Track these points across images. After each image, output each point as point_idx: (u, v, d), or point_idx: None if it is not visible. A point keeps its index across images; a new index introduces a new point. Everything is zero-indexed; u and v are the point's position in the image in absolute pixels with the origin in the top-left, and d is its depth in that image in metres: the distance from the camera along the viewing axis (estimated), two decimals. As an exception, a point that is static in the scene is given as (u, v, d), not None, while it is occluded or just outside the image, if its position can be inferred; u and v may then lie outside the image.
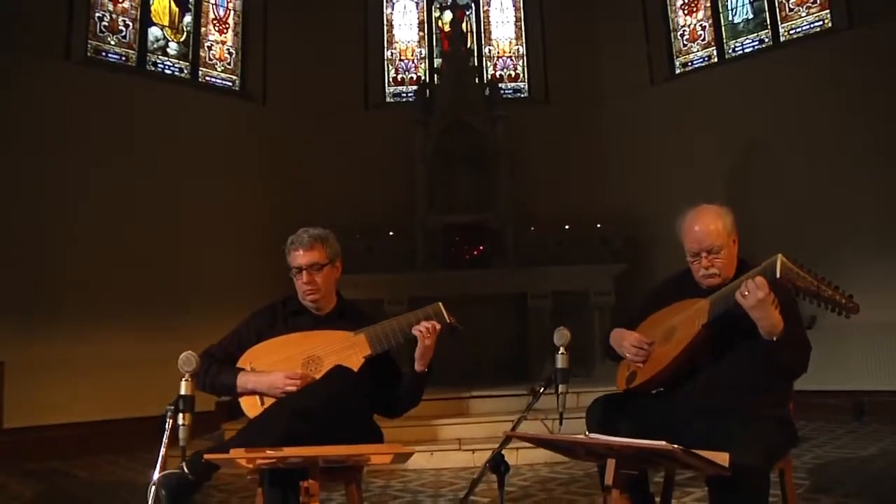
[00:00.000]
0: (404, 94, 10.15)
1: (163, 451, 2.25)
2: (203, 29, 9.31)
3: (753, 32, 9.06)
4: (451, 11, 9.62)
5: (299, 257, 3.03)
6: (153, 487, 2.20)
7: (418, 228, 8.53)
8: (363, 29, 10.19)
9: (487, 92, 9.15)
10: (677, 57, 9.70)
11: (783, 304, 2.50)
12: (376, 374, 2.98)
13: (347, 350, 2.91)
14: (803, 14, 8.63)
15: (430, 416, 6.17)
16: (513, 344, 8.14)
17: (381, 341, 2.93)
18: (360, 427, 2.87)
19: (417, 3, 10.53)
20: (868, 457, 5.49)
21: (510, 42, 10.47)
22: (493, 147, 8.74)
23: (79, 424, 7.13)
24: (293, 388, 2.78)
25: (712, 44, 9.39)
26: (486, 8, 10.54)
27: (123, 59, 8.52)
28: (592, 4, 10.04)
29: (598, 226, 8.60)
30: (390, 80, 10.30)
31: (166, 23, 8.98)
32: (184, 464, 2.41)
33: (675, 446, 1.98)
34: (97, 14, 8.29)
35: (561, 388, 2.65)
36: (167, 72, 8.88)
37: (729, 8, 9.34)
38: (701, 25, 9.53)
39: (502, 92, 9.48)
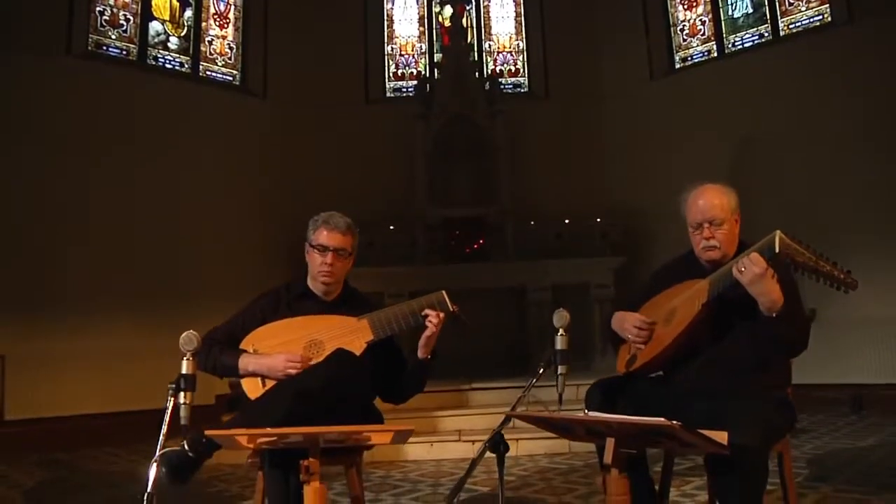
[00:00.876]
0: (404, 89, 10.16)
1: (164, 428, 2.26)
2: (204, 24, 9.32)
3: (753, 27, 9.07)
4: (452, 6, 9.62)
5: (330, 237, 3.03)
6: (154, 464, 2.21)
7: (418, 222, 8.55)
8: (363, 24, 10.20)
9: (487, 87, 9.18)
10: (677, 52, 9.71)
11: (782, 281, 2.51)
12: (380, 360, 3.00)
13: (350, 335, 2.92)
14: (803, 8, 8.65)
15: (431, 408, 6.20)
16: (512, 337, 8.15)
17: (384, 327, 2.94)
18: (361, 411, 2.89)
19: (417, -1, 10.56)
20: (867, 447, 5.50)
21: (510, 37, 10.48)
22: (493, 141, 8.76)
23: (79, 417, 7.14)
24: (293, 371, 2.79)
25: (712, 38, 9.40)
26: (486, 3, 10.56)
27: (124, 53, 8.53)
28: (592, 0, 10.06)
29: (598, 220, 8.61)
30: (390, 74, 10.31)
31: (167, 17, 8.98)
32: (185, 442, 2.42)
33: (675, 422, 1.99)
34: (98, 8, 8.30)
35: (560, 368, 2.66)
36: (168, 66, 8.89)
37: (729, 3, 9.35)
38: (701, 20, 9.55)
39: (502, 87, 9.51)
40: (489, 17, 10.53)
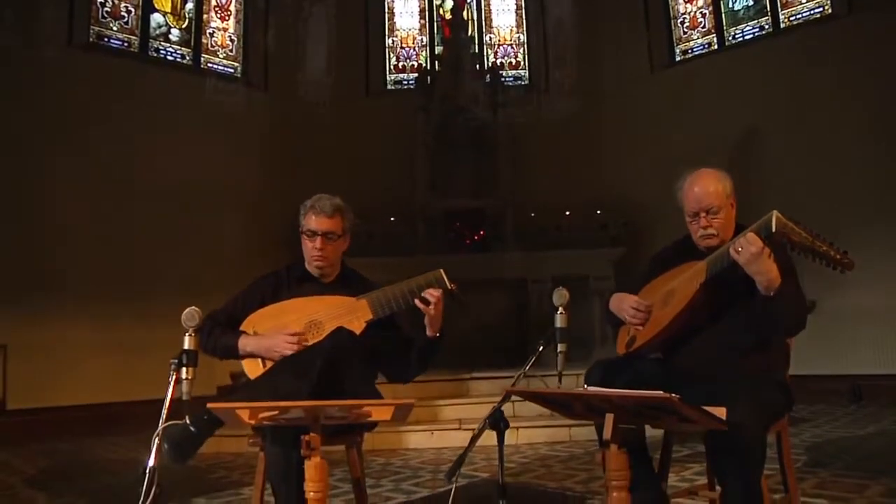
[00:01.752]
0: (405, 82, 10.18)
1: (167, 403, 2.28)
2: (205, 16, 9.34)
3: (754, 19, 9.08)
4: (452, -1, 9.65)
5: (318, 222, 3.03)
6: (156, 439, 2.22)
7: (419, 214, 8.57)
8: (364, 17, 10.21)
9: (488, 79, 9.19)
10: (677, 44, 9.72)
11: (779, 261, 2.52)
12: (382, 340, 3.00)
13: (349, 315, 2.93)
14: (803, 0, 8.65)
15: (432, 397, 6.22)
16: (512, 328, 8.17)
17: (383, 306, 2.95)
18: (362, 390, 2.89)
19: (419, -9, 10.57)
20: (865, 435, 5.52)
21: (511, 30, 10.49)
22: (494, 134, 8.79)
23: (81, 406, 7.17)
24: (293, 351, 2.81)
25: (712, 31, 9.42)
26: (487, -4, 10.58)
27: (126, 45, 8.54)
28: (593, -7, 10.08)
29: (598, 212, 8.62)
30: (391, 67, 10.33)
31: (168, 9, 9.00)
32: (187, 417, 2.44)
33: (673, 395, 2.00)
34: (99, 0, 8.30)
35: (560, 346, 2.67)
36: (169, 58, 8.90)
37: (729, -5, 9.37)
38: (701, 13, 9.56)
39: (503, 80, 9.51)
40: (490, 10, 10.54)
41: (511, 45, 10.44)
